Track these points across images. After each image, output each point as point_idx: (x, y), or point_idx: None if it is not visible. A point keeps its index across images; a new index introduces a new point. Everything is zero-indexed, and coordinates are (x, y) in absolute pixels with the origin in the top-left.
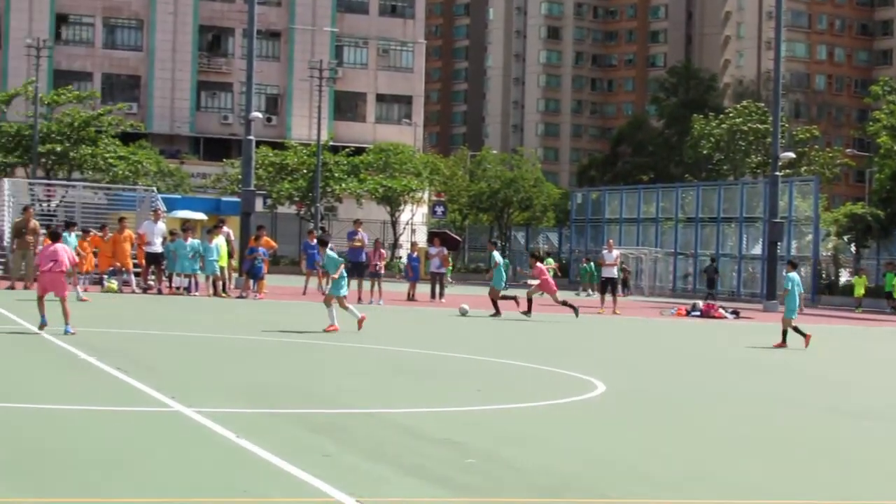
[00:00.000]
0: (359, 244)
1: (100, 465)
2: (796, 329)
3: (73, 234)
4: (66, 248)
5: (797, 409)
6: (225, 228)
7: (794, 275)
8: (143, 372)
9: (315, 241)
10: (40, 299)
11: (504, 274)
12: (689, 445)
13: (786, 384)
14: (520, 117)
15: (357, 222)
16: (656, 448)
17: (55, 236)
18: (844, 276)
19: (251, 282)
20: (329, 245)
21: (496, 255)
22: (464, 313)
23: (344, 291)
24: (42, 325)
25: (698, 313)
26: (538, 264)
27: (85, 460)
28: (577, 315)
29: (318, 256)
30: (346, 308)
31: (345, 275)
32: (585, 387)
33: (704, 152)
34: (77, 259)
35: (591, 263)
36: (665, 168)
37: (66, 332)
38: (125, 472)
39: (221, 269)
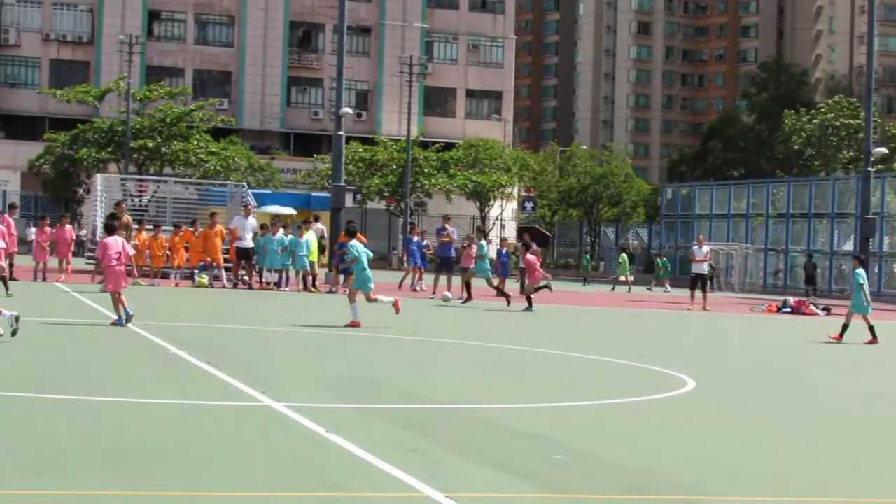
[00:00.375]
0: (447, 240)
1: (192, 460)
2: (871, 327)
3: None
4: (126, 242)
5: (890, 406)
6: (318, 224)
7: (861, 271)
8: (234, 366)
9: (416, 237)
10: (116, 295)
11: (487, 264)
12: (779, 442)
13: (878, 381)
14: (610, 113)
15: (446, 218)
16: (747, 445)
17: (111, 229)
18: None
19: (341, 277)
20: (356, 236)
21: (483, 244)
22: (446, 300)
23: (371, 285)
24: (129, 318)
25: (789, 310)
26: (528, 255)
27: (178, 454)
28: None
29: (418, 253)
30: (375, 300)
31: (366, 268)
32: (675, 383)
33: (796, 148)
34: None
35: (664, 259)
36: (756, 163)
37: (121, 322)
38: (217, 467)
39: (312, 264)
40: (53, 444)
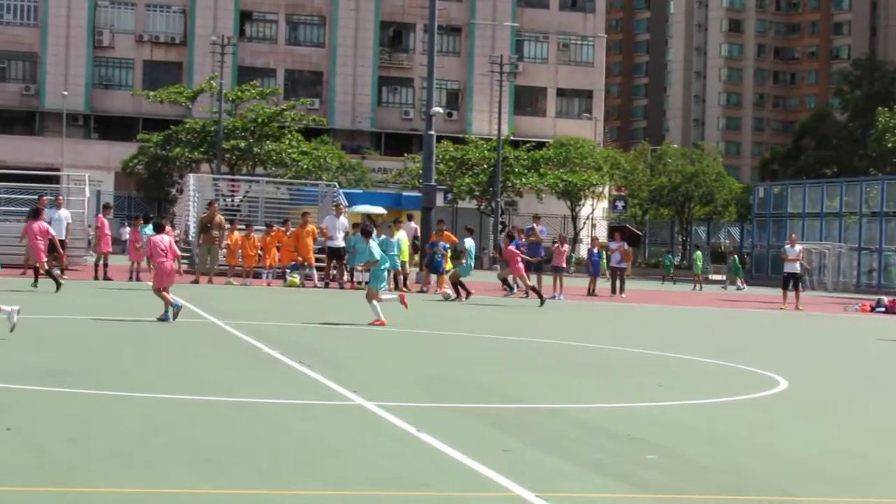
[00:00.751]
0: (534, 239)
1: (284, 458)
2: None
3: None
4: (173, 240)
5: None
6: (411, 224)
7: None
8: (325, 365)
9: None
10: (164, 291)
11: (472, 261)
12: (872, 443)
13: None
14: (701, 111)
15: (535, 217)
16: (838, 445)
17: (159, 227)
18: None
19: (432, 276)
20: (372, 236)
21: (468, 241)
22: (446, 298)
23: (382, 285)
24: (177, 311)
25: (883, 309)
26: (510, 246)
27: (269, 453)
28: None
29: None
30: (379, 300)
31: (384, 268)
32: (767, 383)
33: (889, 146)
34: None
35: (736, 257)
36: (849, 162)
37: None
38: (309, 465)
39: (402, 263)
40: (146, 442)
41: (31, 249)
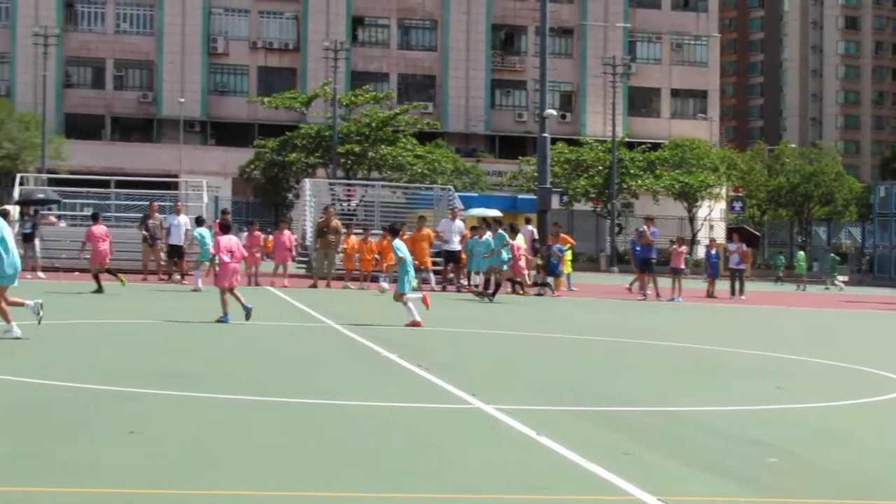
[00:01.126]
0: (646, 241)
1: (404, 461)
2: None
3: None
4: (239, 241)
5: None
6: (529, 227)
7: None
8: (443, 369)
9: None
10: (229, 291)
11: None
12: None
13: None
14: (818, 110)
15: (648, 219)
16: None
17: (226, 228)
18: None
19: (549, 279)
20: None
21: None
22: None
23: (408, 288)
24: (248, 312)
25: None
26: (515, 241)
27: (390, 456)
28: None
29: (638, 254)
30: (404, 302)
31: (409, 269)
32: (889, 385)
33: None
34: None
35: (834, 255)
36: None
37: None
38: (430, 469)
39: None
40: (265, 445)
41: (95, 253)
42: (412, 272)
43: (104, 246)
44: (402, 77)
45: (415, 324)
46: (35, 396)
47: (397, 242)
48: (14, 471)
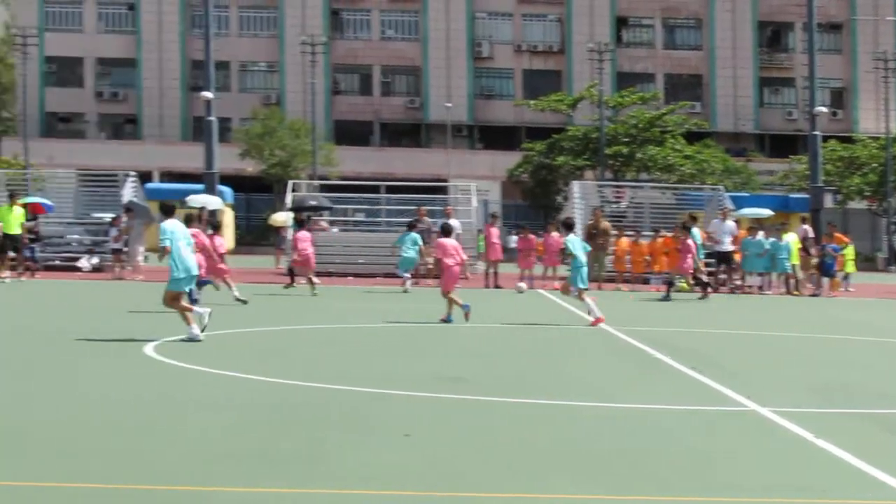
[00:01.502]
0: None
1: (677, 464)
2: None
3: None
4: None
5: None
6: (803, 226)
7: None
8: (716, 371)
9: None
10: (449, 294)
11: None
12: None
13: None
14: None
15: None
16: None
17: (448, 232)
18: None
19: (824, 280)
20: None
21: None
22: (520, 291)
23: (579, 285)
24: (467, 312)
25: None
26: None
27: (665, 458)
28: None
29: None
30: (582, 299)
31: (583, 265)
32: None
33: None
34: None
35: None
36: None
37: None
38: (704, 471)
39: (793, 266)
40: (536, 447)
41: (304, 258)
42: (585, 269)
43: (310, 250)
44: (669, 77)
45: (598, 321)
46: (310, 398)
47: (571, 238)
48: (293, 471)
